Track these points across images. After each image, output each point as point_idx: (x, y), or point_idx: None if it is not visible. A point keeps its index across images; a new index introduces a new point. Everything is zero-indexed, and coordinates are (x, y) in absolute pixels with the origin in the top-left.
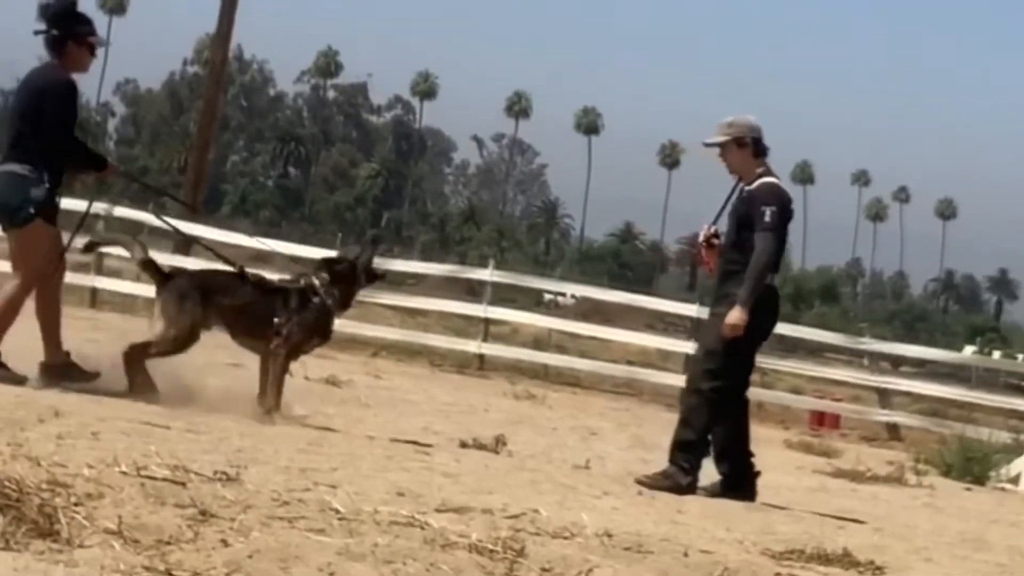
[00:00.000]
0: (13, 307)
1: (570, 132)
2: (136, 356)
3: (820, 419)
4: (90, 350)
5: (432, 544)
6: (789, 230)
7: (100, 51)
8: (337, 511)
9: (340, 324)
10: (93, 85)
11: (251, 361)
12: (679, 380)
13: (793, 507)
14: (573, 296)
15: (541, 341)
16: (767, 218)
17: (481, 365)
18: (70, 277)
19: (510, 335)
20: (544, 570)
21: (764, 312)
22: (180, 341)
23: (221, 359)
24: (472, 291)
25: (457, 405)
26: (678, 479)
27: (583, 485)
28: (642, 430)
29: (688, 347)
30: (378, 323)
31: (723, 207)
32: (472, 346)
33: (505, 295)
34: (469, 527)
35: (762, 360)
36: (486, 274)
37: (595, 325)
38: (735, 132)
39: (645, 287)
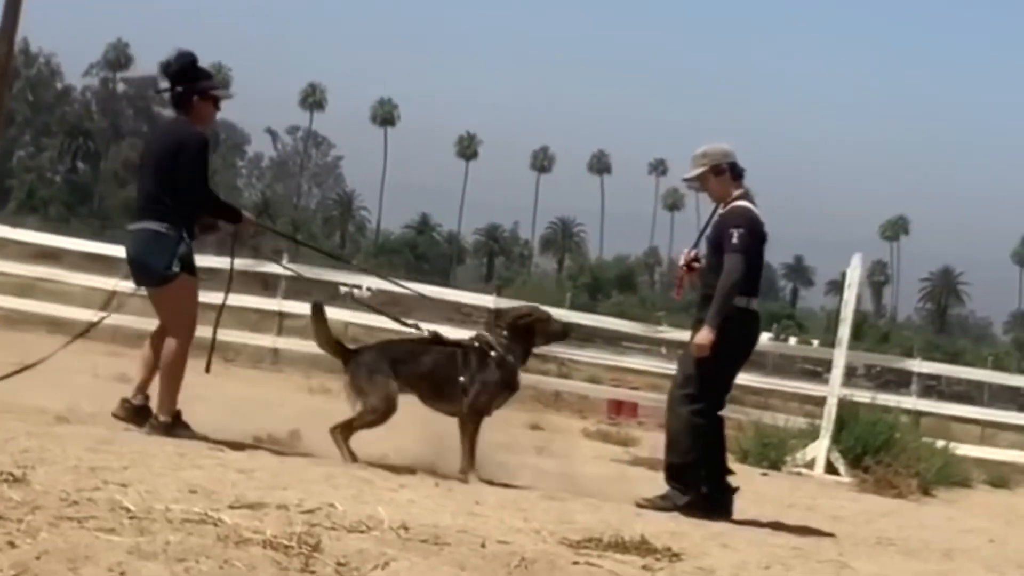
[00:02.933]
0: (179, 366)
1: (366, 124)
2: (342, 434)
3: (618, 408)
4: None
5: (225, 541)
6: (764, 253)
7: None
8: (128, 510)
9: (132, 321)
10: None
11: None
12: None
13: (591, 496)
14: (369, 289)
15: (338, 334)
16: (735, 240)
17: (276, 360)
18: None
19: (305, 329)
20: (340, 564)
21: (739, 334)
22: (380, 413)
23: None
24: (266, 285)
25: (251, 400)
26: (675, 500)
27: (379, 479)
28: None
29: None
30: None
31: (702, 231)
32: (266, 340)
33: (300, 288)
34: (263, 523)
35: (559, 351)
36: (280, 267)
37: (393, 318)
38: (710, 161)
39: (442, 278)
